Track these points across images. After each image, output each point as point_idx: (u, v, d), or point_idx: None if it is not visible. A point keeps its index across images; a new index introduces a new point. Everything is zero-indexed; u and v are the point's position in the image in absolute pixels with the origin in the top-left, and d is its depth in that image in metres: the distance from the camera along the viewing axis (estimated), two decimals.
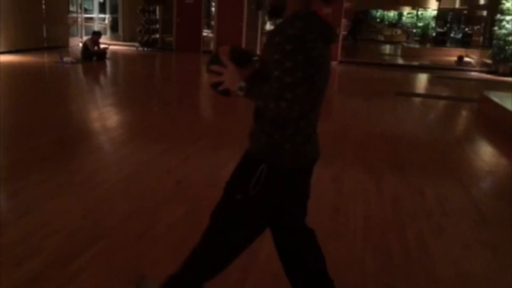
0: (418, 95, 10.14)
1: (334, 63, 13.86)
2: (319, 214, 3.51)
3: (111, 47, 12.98)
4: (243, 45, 14.58)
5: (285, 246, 2.10)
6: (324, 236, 3.13)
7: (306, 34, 1.69)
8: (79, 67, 10.94)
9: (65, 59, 11.02)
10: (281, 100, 1.65)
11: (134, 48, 15.22)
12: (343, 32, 16.59)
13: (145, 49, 15.03)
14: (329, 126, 6.37)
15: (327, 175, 4.34)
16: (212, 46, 15.01)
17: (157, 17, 15.39)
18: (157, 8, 15.34)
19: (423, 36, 22.60)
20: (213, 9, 15.96)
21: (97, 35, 11.97)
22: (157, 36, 15.41)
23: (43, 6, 13.29)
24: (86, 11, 17.20)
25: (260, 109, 1.82)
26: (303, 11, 1.77)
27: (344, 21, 14.73)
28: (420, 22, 25.31)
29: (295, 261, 2.10)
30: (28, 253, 2.73)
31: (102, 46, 12.01)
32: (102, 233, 3.02)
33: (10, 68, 10.29)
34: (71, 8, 15.71)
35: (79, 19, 15.95)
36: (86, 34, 14.74)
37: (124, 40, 16.62)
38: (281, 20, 1.82)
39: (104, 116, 6.59)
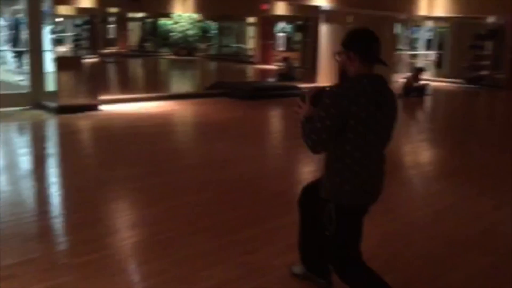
0: None
1: None
2: None
3: (433, 83, 12.91)
4: None
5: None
6: None
7: (348, 92, 2.14)
8: (399, 102, 11.24)
9: None
10: (308, 140, 2.20)
11: (457, 85, 14.68)
12: None
13: (470, 86, 14.31)
14: None
15: None
16: None
17: (488, 53, 14.45)
18: (488, 43, 14.41)
19: None
20: None
21: (419, 71, 12.24)
22: (485, 72, 14.45)
23: None
24: (412, 48, 17.63)
25: (324, 158, 2.29)
26: (357, 74, 2.19)
27: None
28: None
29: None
30: None
31: (421, 82, 12.08)
32: (396, 266, 3.04)
33: None
34: (400, 46, 16.40)
35: (404, 57, 16.47)
36: (410, 71, 15.08)
37: (448, 77, 16.23)
38: None
39: (417, 150, 6.60)
